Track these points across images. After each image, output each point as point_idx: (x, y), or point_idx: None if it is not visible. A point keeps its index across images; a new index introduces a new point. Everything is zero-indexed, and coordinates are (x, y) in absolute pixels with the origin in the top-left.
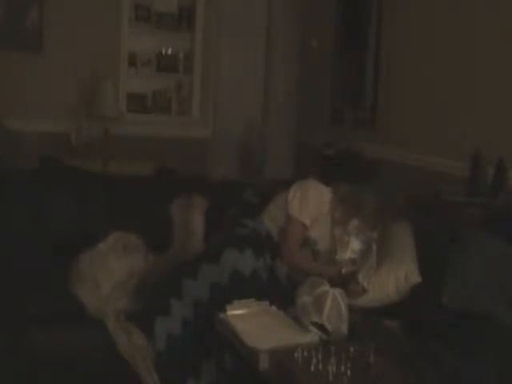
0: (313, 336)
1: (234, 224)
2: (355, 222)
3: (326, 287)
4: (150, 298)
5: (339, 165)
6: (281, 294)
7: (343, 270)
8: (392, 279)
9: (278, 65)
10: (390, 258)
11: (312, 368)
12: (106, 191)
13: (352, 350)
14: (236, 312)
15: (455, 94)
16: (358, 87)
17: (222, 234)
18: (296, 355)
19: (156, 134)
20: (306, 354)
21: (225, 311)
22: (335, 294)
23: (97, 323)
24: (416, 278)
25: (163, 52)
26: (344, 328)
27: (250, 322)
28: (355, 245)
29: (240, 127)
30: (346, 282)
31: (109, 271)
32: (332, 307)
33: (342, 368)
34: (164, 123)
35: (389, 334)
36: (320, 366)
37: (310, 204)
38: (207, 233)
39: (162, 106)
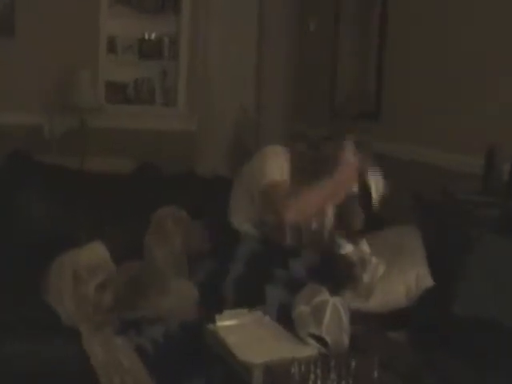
0: (311, 349)
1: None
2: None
3: (326, 296)
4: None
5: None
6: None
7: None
8: (401, 281)
9: (272, 50)
10: (399, 260)
11: None
12: (84, 190)
13: (354, 364)
14: (226, 323)
15: (468, 83)
16: (361, 76)
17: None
18: (292, 370)
19: (138, 127)
20: (303, 368)
21: (214, 322)
22: (335, 303)
23: (74, 333)
24: (428, 282)
25: (146, 37)
26: (345, 340)
27: (242, 333)
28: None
29: (231, 119)
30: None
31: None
32: (332, 317)
33: None
34: (147, 115)
35: (395, 346)
36: (319, 383)
37: (275, 163)
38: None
39: (144, 96)
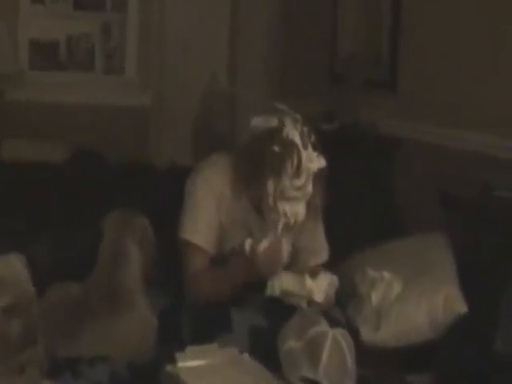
0: None
1: None
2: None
3: (323, 326)
4: None
5: (343, 145)
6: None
7: (261, 247)
8: (424, 305)
9: (252, 2)
10: (421, 277)
11: None
12: (0, 185)
13: None
14: (190, 363)
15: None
16: (370, 34)
17: None
18: None
19: (73, 100)
20: None
21: (174, 362)
22: (336, 336)
23: None
24: (459, 307)
25: None
26: None
27: (212, 377)
28: (286, 207)
29: (197, 91)
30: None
31: None
32: (332, 356)
33: None
34: (84, 85)
35: None
36: None
37: (200, 211)
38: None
39: (81, 59)
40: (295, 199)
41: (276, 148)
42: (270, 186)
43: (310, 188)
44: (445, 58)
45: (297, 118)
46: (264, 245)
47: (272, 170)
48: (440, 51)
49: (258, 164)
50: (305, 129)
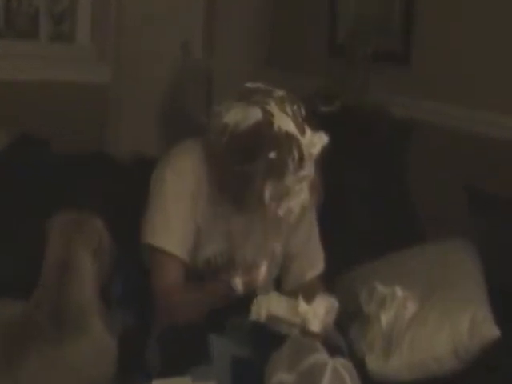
0: None
1: None
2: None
3: (321, 355)
4: None
5: (345, 129)
6: None
7: (260, 275)
8: (446, 329)
9: None
10: (442, 293)
11: None
12: None
13: None
14: None
15: None
16: None
17: None
18: None
19: (13, 76)
20: None
21: None
22: (337, 366)
23: None
24: (489, 331)
25: None
26: None
27: None
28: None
29: (165, 64)
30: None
31: None
32: None
33: None
34: (28, 56)
35: None
36: None
37: (172, 211)
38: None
39: (22, 24)
40: (300, 190)
41: (272, 154)
42: (270, 190)
43: (312, 170)
44: (469, 24)
45: (281, 95)
46: (263, 271)
47: (271, 175)
48: (462, 16)
49: (251, 172)
50: (295, 107)
